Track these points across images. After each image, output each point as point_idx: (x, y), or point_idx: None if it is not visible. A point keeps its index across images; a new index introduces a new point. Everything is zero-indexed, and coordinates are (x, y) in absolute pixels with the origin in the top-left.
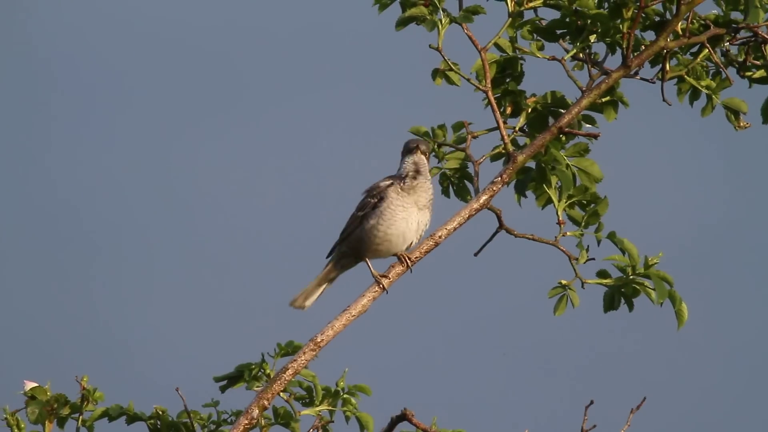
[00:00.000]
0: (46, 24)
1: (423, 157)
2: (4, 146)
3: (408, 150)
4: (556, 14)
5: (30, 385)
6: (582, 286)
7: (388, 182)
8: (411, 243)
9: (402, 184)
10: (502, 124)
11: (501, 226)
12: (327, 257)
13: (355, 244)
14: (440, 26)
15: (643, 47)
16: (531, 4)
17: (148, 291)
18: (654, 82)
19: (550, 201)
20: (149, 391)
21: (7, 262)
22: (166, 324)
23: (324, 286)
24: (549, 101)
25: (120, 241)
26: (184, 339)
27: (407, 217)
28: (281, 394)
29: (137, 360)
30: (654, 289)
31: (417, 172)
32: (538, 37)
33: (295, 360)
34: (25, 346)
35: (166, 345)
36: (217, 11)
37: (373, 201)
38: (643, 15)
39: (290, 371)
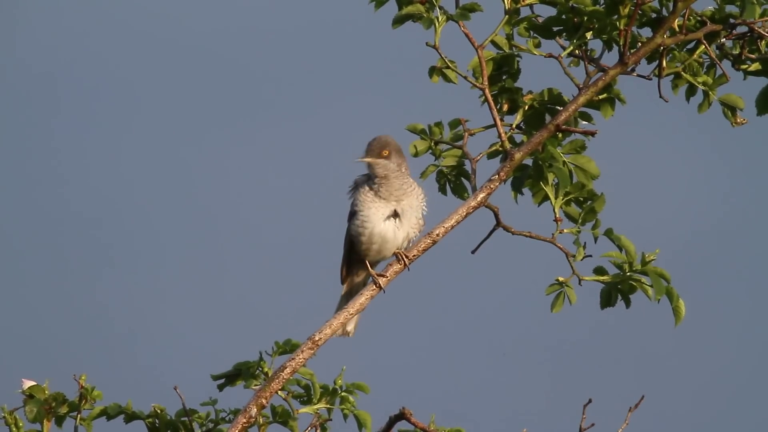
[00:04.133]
0: (56, 28)
1: (369, 160)
2: (15, 144)
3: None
4: (552, 11)
5: (28, 383)
6: (579, 283)
7: (357, 187)
8: (406, 234)
9: (371, 185)
10: (498, 122)
11: (498, 223)
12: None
13: (354, 249)
14: (437, 24)
15: (639, 44)
16: (527, 1)
17: (148, 290)
18: (651, 79)
19: (546, 198)
20: (147, 390)
21: (7, 261)
22: (164, 323)
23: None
24: (546, 98)
25: (121, 241)
26: (182, 337)
27: (382, 216)
28: (279, 392)
29: (135, 359)
30: (651, 286)
31: (368, 177)
32: (535, 35)
33: (293, 358)
34: (24, 344)
35: (164, 343)
36: (237, 16)
37: (352, 209)
38: (640, 12)
39: (288, 370)
